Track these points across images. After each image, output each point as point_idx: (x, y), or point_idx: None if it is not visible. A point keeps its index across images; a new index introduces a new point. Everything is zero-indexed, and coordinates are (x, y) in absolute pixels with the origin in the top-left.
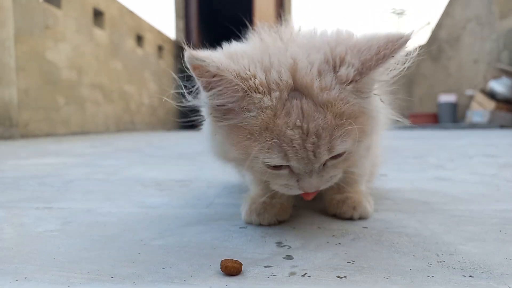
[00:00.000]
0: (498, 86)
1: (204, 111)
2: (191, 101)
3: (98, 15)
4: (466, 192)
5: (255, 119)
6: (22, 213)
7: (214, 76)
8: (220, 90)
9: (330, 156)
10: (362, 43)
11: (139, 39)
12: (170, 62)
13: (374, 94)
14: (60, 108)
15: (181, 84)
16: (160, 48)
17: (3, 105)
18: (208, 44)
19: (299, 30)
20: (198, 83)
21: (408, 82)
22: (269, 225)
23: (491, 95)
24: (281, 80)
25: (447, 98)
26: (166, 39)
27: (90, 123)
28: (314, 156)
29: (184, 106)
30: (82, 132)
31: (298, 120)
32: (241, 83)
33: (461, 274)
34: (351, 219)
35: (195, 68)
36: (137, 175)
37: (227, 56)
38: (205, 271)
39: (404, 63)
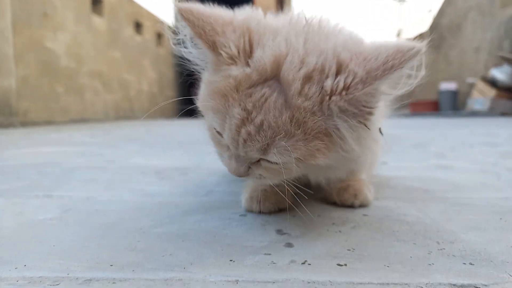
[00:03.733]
0: (499, 74)
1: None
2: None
3: (96, 2)
4: (467, 181)
5: (219, 83)
6: (22, 202)
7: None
8: (201, 50)
9: (260, 157)
10: (369, 51)
11: (138, 27)
12: (169, 50)
13: (366, 124)
14: (60, 96)
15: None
16: (159, 36)
17: (2, 94)
18: None
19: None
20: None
21: None
22: (270, 213)
23: (492, 83)
24: (260, 61)
25: (448, 86)
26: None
27: (90, 111)
28: (244, 146)
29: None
30: (82, 120)
31: (251, 105)
32: (214, 56)
33: (461, 262)
34: (351, 206)
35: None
36: (136, 163)
37: (222, 23)
38: (204, 259)
39: (412, 79)
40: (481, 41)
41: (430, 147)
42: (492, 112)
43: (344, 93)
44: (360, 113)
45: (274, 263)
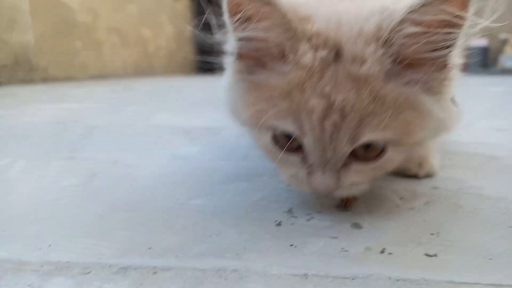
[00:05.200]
0: None
1: (230, 58)
2: (218, 35)
3: None
4: None
5: (284, 78)
6: (44, 164)
7: (266, 5)
8: (266, 25)
9: (352, 147)
10: None
11: None
12: (186, 4)
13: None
14: (78, 52)
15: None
16: None
17: (21, 49)
18: None
19: None
20: (237, 18)
21: None
22: None
23: None
24: (329, 35)
25: (478, 42)
26: None
27: (109, 67)
28: (331, 141)
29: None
30: (101, 76)
31: (328, 86)
32: (297, 24)
33: None
34: (415, 176)
35: None
36: (163, 121)
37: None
38: (259, 242)
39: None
40: None
41: (473, 106)
42: None
43: (398, 27)
44: (432, 62)
45: (345, 250)
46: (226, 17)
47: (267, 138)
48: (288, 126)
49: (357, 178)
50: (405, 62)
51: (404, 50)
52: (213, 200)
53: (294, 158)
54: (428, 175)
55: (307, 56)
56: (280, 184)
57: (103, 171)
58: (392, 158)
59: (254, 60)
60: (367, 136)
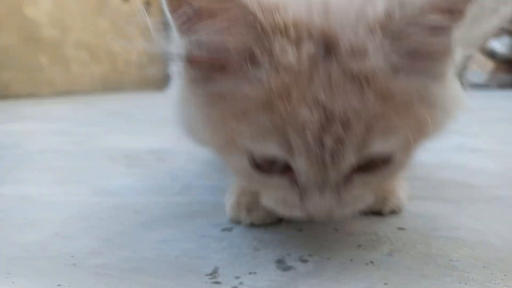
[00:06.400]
0: (499, 45)
1: (177, 64)
2: (162, 44)
3: None
4: (507, 169)
5: (259, 85)
6: None
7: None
8: (223, 24)
9: (357, 159)
10: None
11: None
12: (158, 19)
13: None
14: (44, 67)
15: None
16: (147, 4)
17: None
18: None
19: None
20: (181, 15)
21: None
22: (265, 225)
23: (491, 55)
24: (313, 24)
25: None
26: None
27: (77, 83)
28: (332, 158)
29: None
30: (68, 92)
31: (322, 91)
32: (263, 17)
33: None
34: (379, 213)
35: None
36: (109, 145)
37: None
38: None
39: None
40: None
41: None
42: (489, 85)
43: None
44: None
45: None
46: (167, 13)
47: (242, 161)
48: (270, 149)
49: (362, 192)
50: (413, 53)
51: (415, 40)
52: (120, 257)
53: (281, 181)
54: (394, 212)
55: (289, 54)
56: (213, 230)
57: (6, 212)
58: (402, 162)
59: (212, 64)
60: (377, 145)
